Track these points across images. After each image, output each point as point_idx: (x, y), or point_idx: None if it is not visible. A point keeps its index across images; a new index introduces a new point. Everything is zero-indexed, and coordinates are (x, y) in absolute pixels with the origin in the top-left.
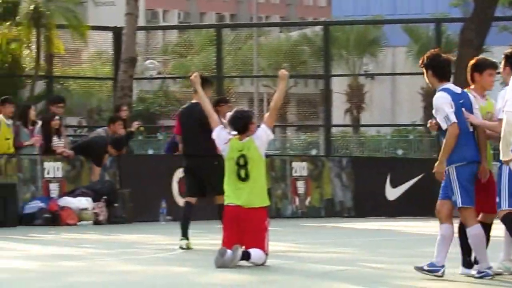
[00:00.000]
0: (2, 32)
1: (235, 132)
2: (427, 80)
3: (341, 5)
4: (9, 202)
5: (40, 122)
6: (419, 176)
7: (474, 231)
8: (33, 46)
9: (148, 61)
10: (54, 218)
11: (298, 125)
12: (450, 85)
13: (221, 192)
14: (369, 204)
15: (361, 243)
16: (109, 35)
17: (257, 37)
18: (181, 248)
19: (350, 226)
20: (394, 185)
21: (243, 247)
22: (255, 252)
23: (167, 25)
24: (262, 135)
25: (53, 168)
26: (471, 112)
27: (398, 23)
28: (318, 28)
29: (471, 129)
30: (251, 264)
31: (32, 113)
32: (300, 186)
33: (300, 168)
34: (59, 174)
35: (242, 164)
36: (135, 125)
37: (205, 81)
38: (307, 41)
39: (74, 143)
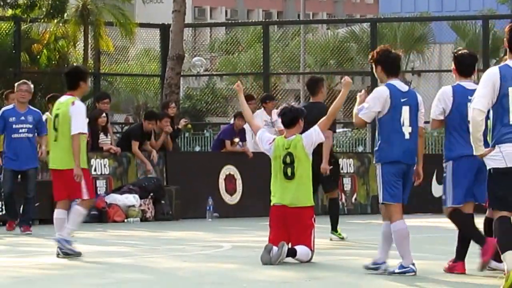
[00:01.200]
0: (51, 30)
1: (281, 126)
2: (376, 75)
3: (388, 2)
4: None
5: (87, 120)
6: None
7: (397, 226)
8: (80, 44)
9: (195, 58)
10: (101, 215)
11: (344, 122)
12: (396, 82)
13: (334, 188)
14: (415, 201)
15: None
16: (157, 32)
17: (304, 34)
18: (331, 240)
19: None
20: (441, 181)
21: (289, 244)
22: (301, 249)
23: (214, 22)
24: (312, 134)
25: (100, 165)
26: (416, 113)
27: (445, 20)
28: (365, 25)
29: (403, 130)
30: (297, 261)
31: None
32: (347, 183)
33: (346, 165)
34: (106, 171)
35: (289, 162)
36: (183, 122)
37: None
38: (354, 38)
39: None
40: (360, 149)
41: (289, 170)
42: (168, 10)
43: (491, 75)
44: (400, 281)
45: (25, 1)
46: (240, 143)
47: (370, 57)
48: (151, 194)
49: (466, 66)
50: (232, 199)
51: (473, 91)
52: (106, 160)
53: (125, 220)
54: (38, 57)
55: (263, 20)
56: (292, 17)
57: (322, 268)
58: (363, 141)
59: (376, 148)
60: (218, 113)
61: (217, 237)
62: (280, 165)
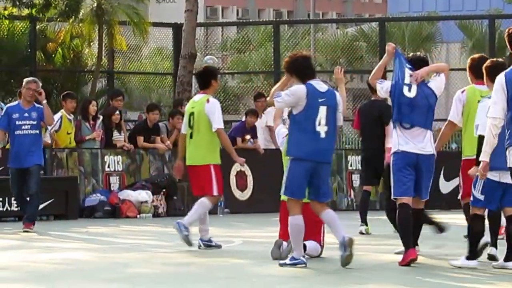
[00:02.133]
0: (66, 29)
1: None
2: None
3: (396, 2)
4: (71, 195)
5: (101, 117)
6: None
7: (294, 221)
8: (95, 43)
9: (207, 57)
10: (114, 211)
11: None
12: (315, 82)
13: None
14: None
15: None
16: (169, 31)
17: (314, 33)
18: (361, 233)
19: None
20: (448, 178)
21: None
22: (310, 244)
23: (226, 21)
24: None
25: (113, 162)
26: (334, 112)
27: (452, 19)
28: (374, 24)
29: (318, 129)
30: (307, 256)
31: (92, 108)
32: (355, 179)
33: (355, 161)
34: (120, 167)
35: None
36: None
37: None
38: (363, 36)
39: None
40: None
41: None
42: (181, 9)
43: (498, 81)
44: (408, 275)
45: (41, 1)
46: (251, 140)
47: (283, 67)
48: (164, 190)
49: None
50: (243, 195)
51: None
52: (119, 156)
53: (138, 216)
54: (53, 55)
55: (274, 19)
56: (302, 17)
57: (331, 263)
58: None
59: (289, 143)
60: (230, 110)
61: (228, 233)
62: None
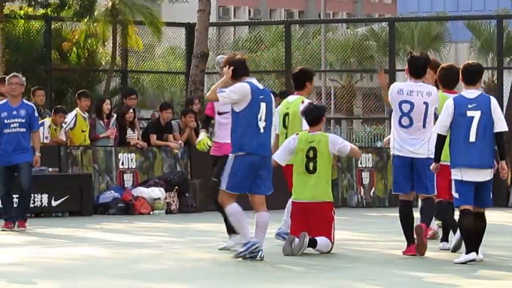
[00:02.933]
0: (81, 29)
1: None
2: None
3: (406, 2)
4: (85, 192)
5: (115, 115)
6: None
7: (232, 209)
8: (109, 42)
9: (219, 56)
10: (128, 208)
11: (363, 118)
12: (254, 80)
13: None
14: None
15: None
16: (182, 31)
17: (325, 33)
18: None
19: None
20: None
21: (310, 235)
22: (321, 240)
23: (238, 21)
24: (339, 141)
25: (127, 159)
26: (270, 109)
27: (460, 19)
28: (384, 24)
29: (260, 124)
30: (317, 252)
31: (106, 106)
32: (365, 177)
33: (365, 159)
34: (133, 165)
35: (312, 156)
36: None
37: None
38: (373, 36)
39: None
40: (379, 144)
41: (311, 165)
42: (194, 9)
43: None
44: (416, 272)
45: (56, 1)
46: None
47: (222, 66)
48: (176, 187)
49: None
50: None
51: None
52: (133, 154)
53: (151, 213)
54: (68, 55)
55: (285, 19)
56: (313, 17)
57: (342, 258)
58: (381, 136)
59: (234, 139)
60: None
61: None
62: (303, 159)
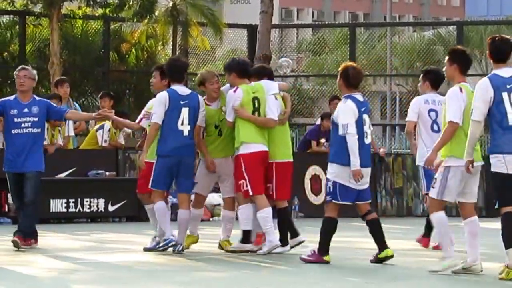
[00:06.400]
0: (140, 30)
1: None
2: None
3: (475, 5)
4: None
5: None
6: None
7: (159, 206)
8: (167, 43)
9: (282, 59)
10: None
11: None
12: (177, 87)
13: None
14: None
15: (488, 242)
16: (244, 32)
17: (391, 36)
18: None
19: (481, 225)
20: None
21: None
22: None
23: (301, 23)
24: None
25: None
26: (194, 113)
27: None
28: (451, 28)
29: (182, 127)
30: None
31: None
32: None
33: None
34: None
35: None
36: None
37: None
38: (440, 40)
39: None
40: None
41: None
42: (256, 10)
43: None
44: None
45: (115, 1)
46: (326, 144)
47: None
48: None
49: None
50: (317, 199)
51: None
52: None
53: (211, 219)
54: (127, 56)
55: (350, 22)
56: (379, 19)
57: (406, 268)
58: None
59: (158, 142)
60: (305, 113)
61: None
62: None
